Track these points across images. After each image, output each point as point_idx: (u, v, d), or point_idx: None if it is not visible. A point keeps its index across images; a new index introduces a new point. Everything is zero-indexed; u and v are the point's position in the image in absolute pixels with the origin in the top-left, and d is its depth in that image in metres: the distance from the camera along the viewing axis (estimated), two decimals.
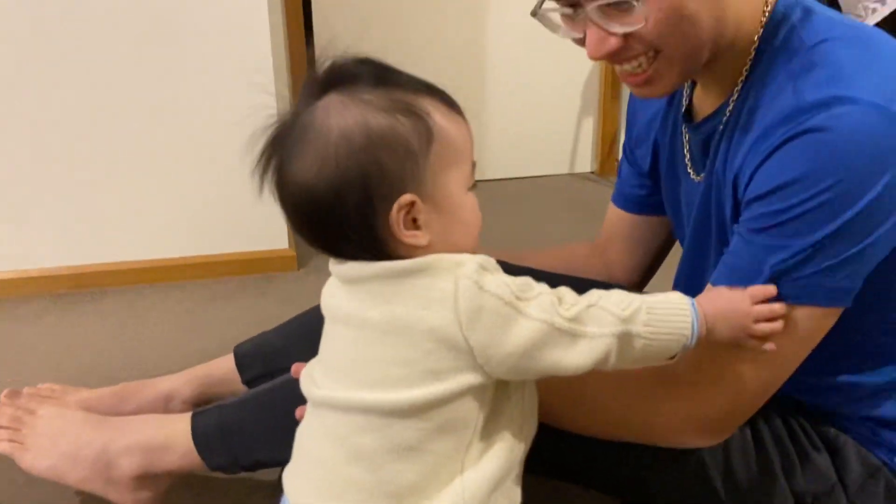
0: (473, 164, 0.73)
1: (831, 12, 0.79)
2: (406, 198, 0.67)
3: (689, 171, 0.89)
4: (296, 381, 0.80)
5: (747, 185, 0.76)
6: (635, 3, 0.73)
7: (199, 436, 1.03)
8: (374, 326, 0.68)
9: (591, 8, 0.75)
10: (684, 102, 0.92)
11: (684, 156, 0.91)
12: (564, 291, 0.68)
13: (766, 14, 0.79)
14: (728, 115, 0.81)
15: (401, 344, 0.67)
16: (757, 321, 0.74)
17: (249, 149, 0.73)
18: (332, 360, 0.75)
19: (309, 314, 1.28)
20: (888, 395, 0.86)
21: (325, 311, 0.76)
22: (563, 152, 2.97)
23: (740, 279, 0.75)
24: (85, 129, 1.92)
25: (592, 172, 3.00)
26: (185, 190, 2.03)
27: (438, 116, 0.69)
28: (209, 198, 2.04)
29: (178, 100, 1.95)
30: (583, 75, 2.88)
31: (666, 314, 0.69)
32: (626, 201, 1.12)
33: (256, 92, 1.97)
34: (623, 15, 0.74)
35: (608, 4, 0.74)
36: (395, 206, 0.67)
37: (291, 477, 0.75)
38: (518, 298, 0.66)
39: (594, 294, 0.69)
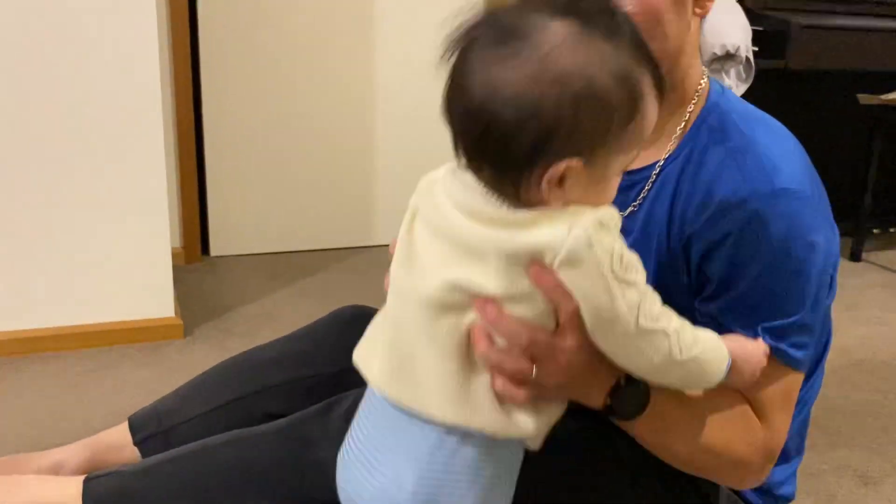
0: (640, 149, 0.72)
1: (739, 101, 0.94)
2: (575, 162, 0.65)
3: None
4: (202, 451, 0.79)
5: (704, 254, 0.87)
6: None
7: (94, 502, 0.99)
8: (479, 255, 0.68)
9: None
10: None
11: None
12: (656, 299, 0.70)
13: (700, 95, 0.92)
14: (657, 172, 0.92)
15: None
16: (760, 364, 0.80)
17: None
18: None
19: (205, 374, 1.27)
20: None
21: (424, 217, 0.74)
22: None
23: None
24: None
25: None
26: (69, 256, 1.97)
27: (648, 99, 0.67)
28: (93, 264, 1.99)
29: (60, 160, 1.91)
30: None
31: (711, 360, 0.74)
32: None
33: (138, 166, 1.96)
34: None
35: None
36: (563, 164, 0.65)
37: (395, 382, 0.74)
38: (615, 276, 0.66)
39: (677, 321, 0.71)
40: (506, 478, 0.77)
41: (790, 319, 0.85)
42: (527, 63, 0.63)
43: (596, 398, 0.77)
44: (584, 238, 0.65)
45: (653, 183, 0.93)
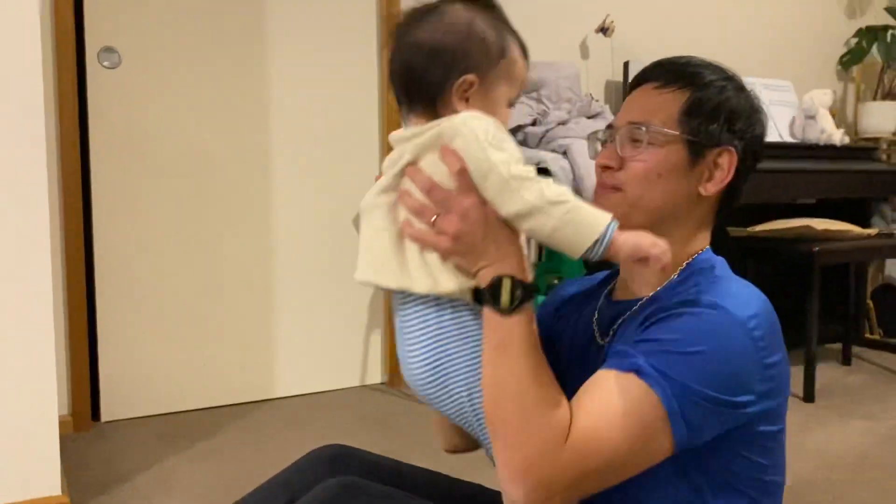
0: (518, 94, 1.00)
1: (727, 267, 1.05)
2: (470, 76, 0.94)
3: (595, 335, 1.09)
4: None
5: (644, 328, 0.95)
6: (643, 143, 1.01)
7: None
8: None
9: (622, 131, 1.04)
10: (607, 290, 1.14)
11: (593, 323, 1.10)
12: (527, 169, 0.89)
13: (696, 255, 1.06)
14: (638, 306, 1.03)
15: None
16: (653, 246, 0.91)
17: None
18: None
19: None
20: None
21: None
22: (353, 365, 3.05)
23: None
24: None
25: (383, 383, 3.08)
26: None
27: (515, 49, 0.98)
28: None
29: None
30: (368, 292, 3.04)
31: (585, 218, 0.89)
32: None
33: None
34: (631, 147, 1.02)
35: (632, 133, 1.02)
36: (462, 78, 0.94)
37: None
38: (488, 142, 0.89)
39: (544, 181, 0.89)
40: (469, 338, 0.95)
41: (669, 351, 0.90)
42: (430, 24, 0.96)
43: (486, 274, 0.91)
44: (461, 119, 0.92)
45: (631, 314, 1.03)
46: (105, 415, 2.66)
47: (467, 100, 0.95)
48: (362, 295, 3.02)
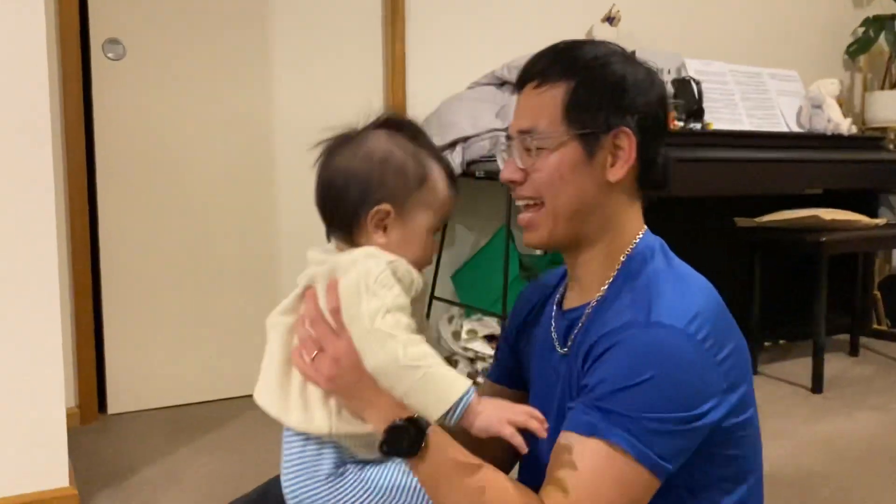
0: (443, 221, 1.00)
1: (669, 256, 1.02)
2: (384, 206, 0.94)
3: (556, 346, 1.07)
4: None
5: (587, 369, 0.94)
6: (534, 150, 0.98)
7: None
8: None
9: (514, 142, 1.01)
10: (557, 297, 1.12)
11: (552, 334, 1.08)
12: (402, 319, 0.89)
13: (633, 245, 1.01)
14: (588, 312, 1.01)
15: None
16: (511, 422, 0.88)
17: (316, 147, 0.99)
18: None
19: None
20: None
21: None
22: None
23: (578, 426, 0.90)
24: None
25: None
26: None
27: (436, 176, 0.98)
28: None
29: None
30: None
31: (439, 385, 0.87)
32: (500, 374, 1.25)
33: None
34: (528, 156, 0.99)
35: (522, 142, 0.99)
36: (376, 208, 0.94)
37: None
38: (366, 287, 0.89)
39: (414, 339, 0.88)
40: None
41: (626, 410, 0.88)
42: (350, 151, 0.96)
43: (374, 420, 0.90)
44: (354, 258, 0.92)
45: (583, 323, 1.01)
46: (112, 407, 2.66)
47: (385, 228, 0.95)
48: None
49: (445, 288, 3.10)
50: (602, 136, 0.97)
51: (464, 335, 2.87)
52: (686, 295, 0.94)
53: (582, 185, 0.98)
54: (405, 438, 0.89)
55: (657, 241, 1.04)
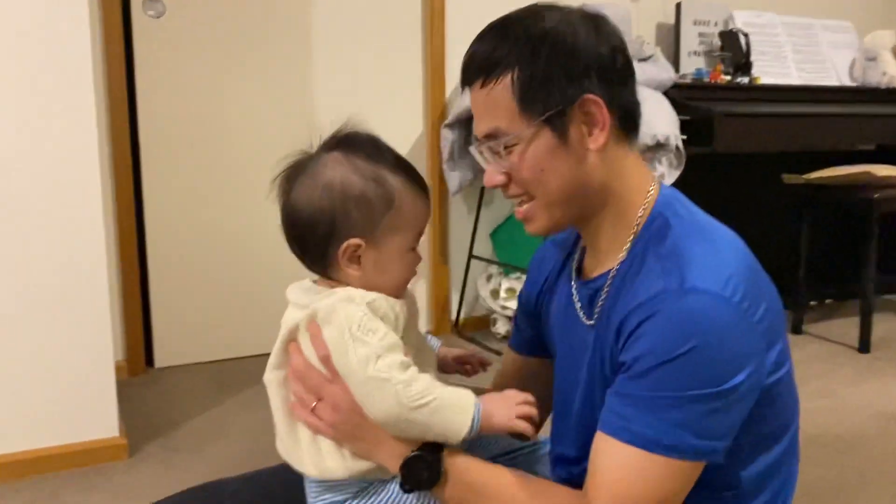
0: (421, 233, 0.95)
1: (691, 210, 0.97)
2: (354, 241, 0.90)
3: (581, 317, 1.02)
4: None
5: (623, 344, 0.89)
6: (502, 152, 0.91)
7: None
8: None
9: (483, 147, 0.94)
10: (574, 266, 1.07)
11: (575, 305, 1.03)
12: (395, 360, 0.86)
13: (647, 202, 0.96)
14: (611, 279, 0.96)
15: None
16: (518, 415, 0.90)
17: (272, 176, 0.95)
18: None
19: None
20: None
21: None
22: None
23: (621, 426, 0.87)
24: None
25: (428, 332, 3.09)
26: (2, 382, 1.89)
27: (403, 194, 0.91)
28: (29, 388, 1.91)
29: None
30: None
31: (451, 412, 0.86)
32: (521, 343, 1.21)
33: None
34: (501, 158, 0.92)
35: (490, 148, 0.93)
36: (345, 244, 0.90)
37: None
38: (351, 335, 0.86)
39: (409, 375, 0.86)
40: None
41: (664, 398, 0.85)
42: (310, 182, 0.91)
43: (386, 460, 0.89)
44: (331, 307, 0.89)
45: (607, 291, 0.96)
46: (159, 361, 2.73)
47: (358, 260, 0.92)
48: None
49: (484, 246, 3.09)
50: (567, 111, 0.90)
51: (502, 293, 2.87)
52: (717, 255, 0.90)
53: (566, 168, 0.92)
54: (423, 469, 0.87)
55: (674, 195, 0.98)
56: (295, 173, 0.93)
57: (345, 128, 0.95)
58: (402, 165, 0.94)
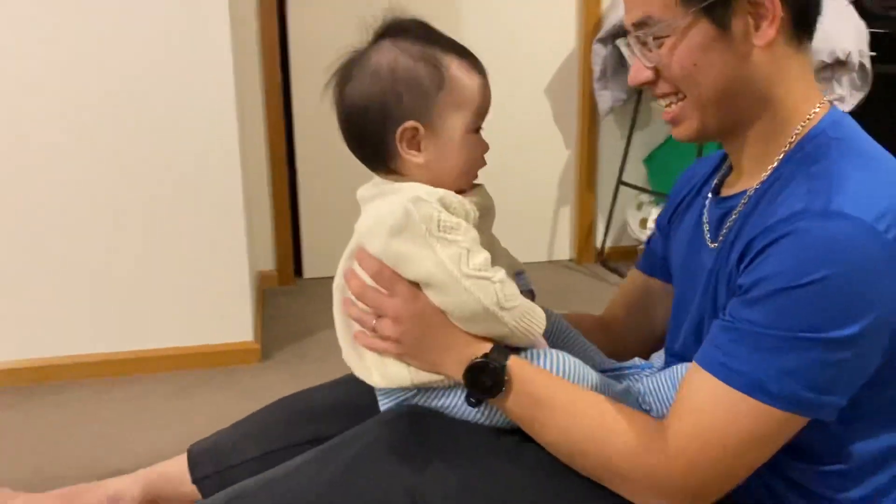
0: (482, 113, 0.91)
1: (861, 137, 0.85)
2: (409, 123, 0.87)
3: (706, 238, 0.95)
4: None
5: (747, 265, 0.80)
6: (651, 43, 0.84)
7: None
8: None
9: (631, 38, 0.88)
10: (714, 183, 0.99)
11: (703, 225, 0.96)
12: (481, 256, 0.84)
13: (807, 124, 0.85)
14: (747, 198, 0.88)
15: None
16: None
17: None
18: None
19: (264, 412, 1.24)
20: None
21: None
22: (541, 241, 2.99)
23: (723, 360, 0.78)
24: (46, 227, 1.97)
25: (571, 260, 3.00)
26: (147, 283, 2.05)
27: (456, 71, 0.88)
28: (172, 290, 2.06)
29: (139, 199, 1.99)
30: (558, 168, 2.92)
31: (532, 320, 0.86)
32: (648, 265, 1.16)
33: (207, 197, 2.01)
34: (650, 51, 0.85)
35: (638, 38, 0.86)
36: (402, 128, 0.87)
37: None
38: (433, 236, 0.83)
39: (502, 275, 0.84)
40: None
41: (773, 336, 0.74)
42: (358, 75, 0.89)
43: (451, 368, 0.86)
44: (402, 211, 0.84)
45: (739, 212, 0.88)
46: (307, 272, 2.85)
47: (418, 146, 0.89)
48: (551, 169, 2.92)
49: (636, 172, 2.91)
50: (731, 2, 0.80)
51: (650, 223, 2.70)
52: (878, 185, 0.77)
53: (724, 65, 0.82)
54: (487, 377, 0.84)
55: (845, 119, 0.86)
56: (345, 70, 0.91)
57: (390, 18, 0.91)
58: (454, 46, 0.91)
